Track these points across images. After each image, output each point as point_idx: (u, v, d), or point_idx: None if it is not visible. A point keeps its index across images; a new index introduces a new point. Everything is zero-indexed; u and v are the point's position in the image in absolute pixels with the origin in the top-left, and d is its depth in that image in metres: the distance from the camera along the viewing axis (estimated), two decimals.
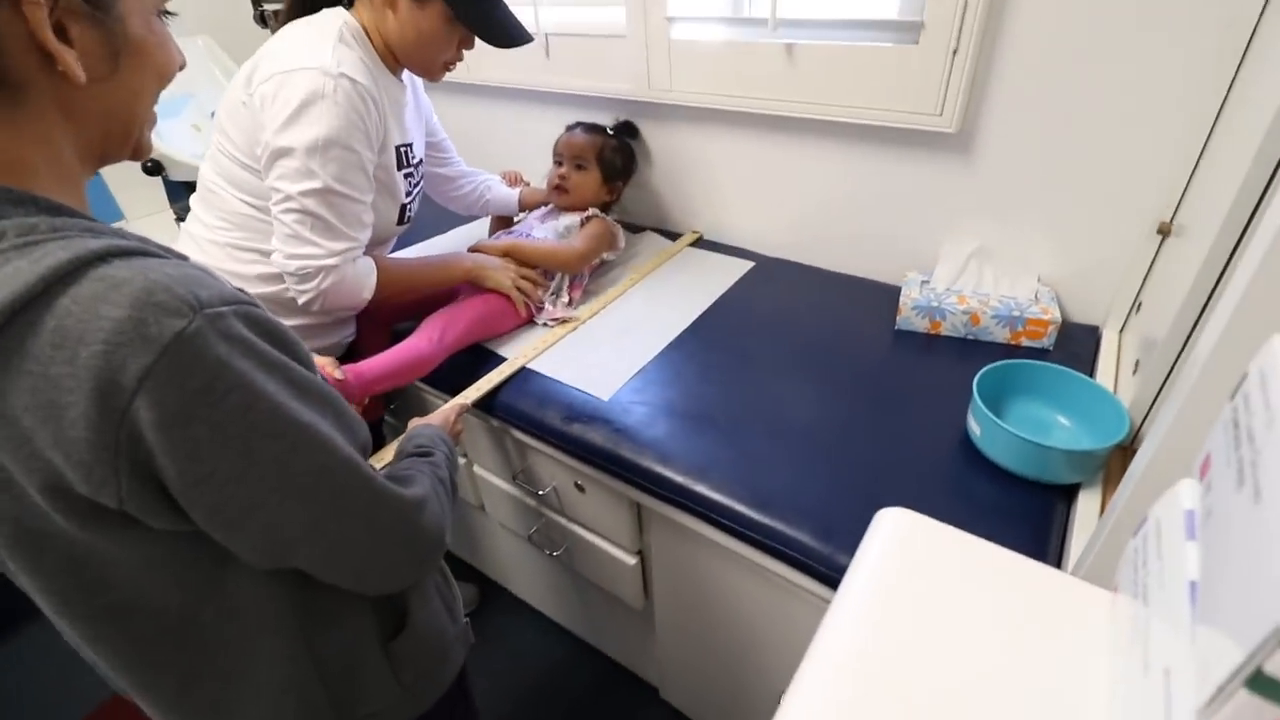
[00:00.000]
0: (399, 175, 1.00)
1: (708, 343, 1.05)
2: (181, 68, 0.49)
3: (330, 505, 0.46)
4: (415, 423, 0.82)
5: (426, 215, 1.57)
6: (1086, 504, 0.73)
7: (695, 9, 1.16)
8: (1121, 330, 0.99)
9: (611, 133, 1.30)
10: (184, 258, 0.43)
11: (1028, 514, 0.73)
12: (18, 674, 1.52)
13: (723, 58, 1.15)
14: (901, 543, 0.38)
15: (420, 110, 1.11)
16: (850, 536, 0.71)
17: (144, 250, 0.40)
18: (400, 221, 1.05)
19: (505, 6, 0.95)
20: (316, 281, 0.90)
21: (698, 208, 1.39)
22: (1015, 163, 0.99)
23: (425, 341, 0.99)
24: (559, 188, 1.24)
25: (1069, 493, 0.75)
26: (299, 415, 0.43)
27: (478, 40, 0.96)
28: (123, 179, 1.64)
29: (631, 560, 1.01)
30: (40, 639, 1.57)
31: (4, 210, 0.38)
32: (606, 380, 0.97)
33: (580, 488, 0.99)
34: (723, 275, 1.23)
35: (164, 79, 0.47)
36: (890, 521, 0.38)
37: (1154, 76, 0.84)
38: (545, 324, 1.13)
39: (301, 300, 0.92)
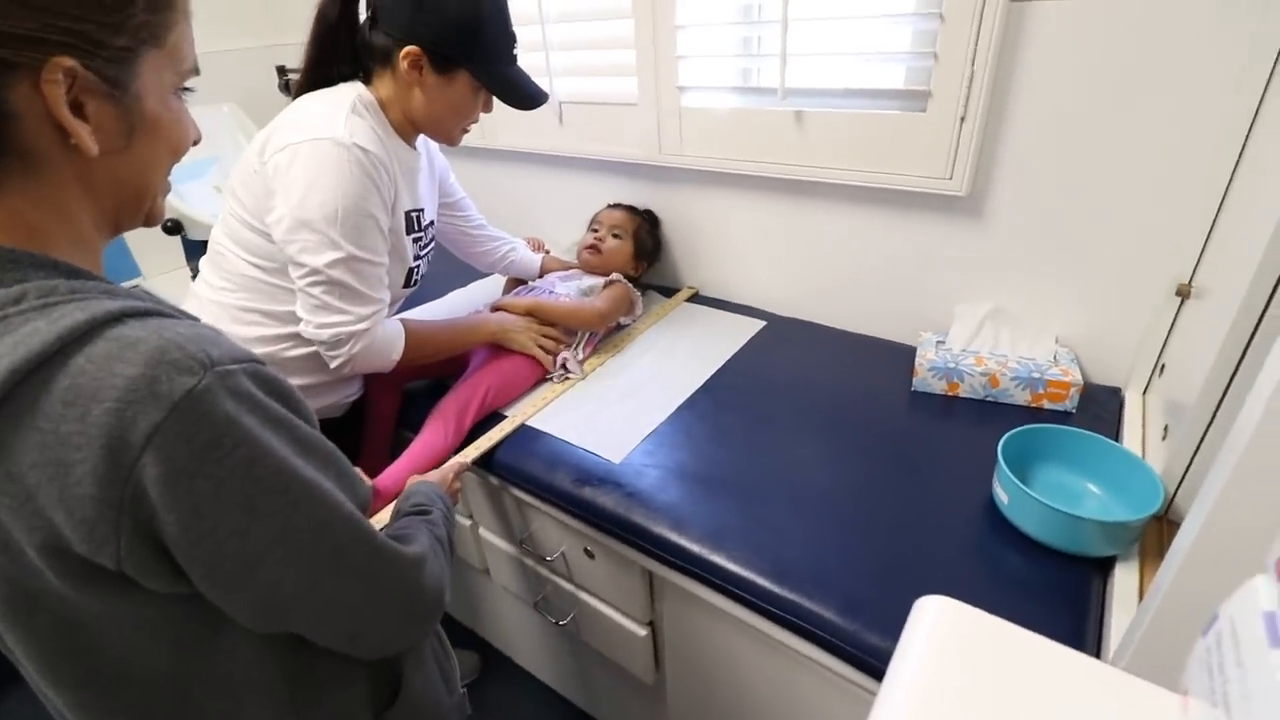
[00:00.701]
0: (408, 240, 1.02)
1: (721, 404, 1.03)
2: (196, 142, 0.51)
3: (329, 562, 0.46)
4: (413, 480, 0.81)
5: (444, 270, 1.59)
6: (1124, 579, 0.69)
7: (706, 79, 1.19)
8: (1145, 392, 0.97)
9: (647, 217, 1.37)
10: (195, 319, 0.44)
11: (1062, 589, 0.69)
12: None
13: (733, 124, 1.17)
14: (947, 637, 0.35)
15: (434, 174, 1.14)
16: (877, 612, 0.68)
17: (159, 311, 0.41)
18: (407, 284, 1.06)
19: (522, 71, 0.99)
20: (348, 347, 0.91)
21: (704, 266, 1.40)
22: (1028, 224, 0.99)
23: (441, 436, 0.98)
24: (593, 247, 1.29)
25: (1103, 566, 0.72)
26: (302, 471, 0.43)
27: (495, 105, 0.99)
28: (142, 237, 1.67)
29: (642, 631, 0.96)
30: (20, 713, 1.51)
31: (26, 273, 0.39)
32: (618, 442, 0.95)
33: (590, 554, 0.96)
34: (734, 334, 1.22)
35: (176, 153, 0.49)
36: (933, 612, 0.36)
37: (1165, 138, 0.85)
38: (550, 378, 1.12)
39: (333, 365, 0.93)
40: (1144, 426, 0.90)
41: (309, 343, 0.93)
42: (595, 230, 1.33)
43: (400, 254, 1.01)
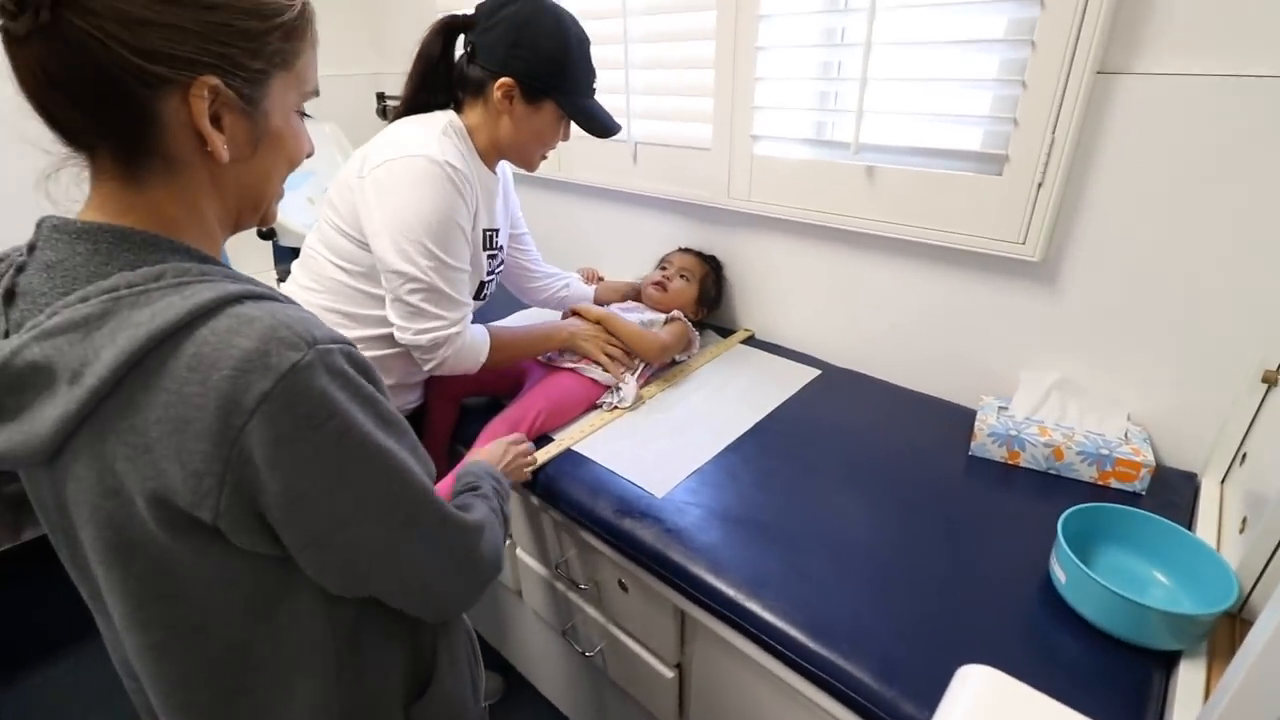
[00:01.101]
0: (484, 255, 1.08)
1: (768, 449, 1.02)
2: (309, 155, 0.57)
3: (404, 526, 0.51)
4: (470, 455, 0.88)
5: (506, 293, 1.64)
6: (1188, 677, 0.65)
7: (779, 130, 1.21)
8: (1223, 481, 0.91)
9: (714, 265, 1.41)
10: (300, 305, 0.49)
11: (1119, 680, 0.65)
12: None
13: (802, 174, 1.19)
14: (990, 710, 0.34)
15: (509, 204, 1.21)
16: (916, 682, 0.65)
17: (272, 296, 0.47)
18: (477, 296, 1.12)
19: (599, 104, 1.06)
20: (444, 350, 0.98)
21: (762, 310, 1.40)
22: (1103, 295, 0.96)
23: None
24: (660, 284, 1.33)
25: (1167, 660, 0.67)
26: (383, 443, 0.48)
27: (573, 142, 1.05)
28: (237, 239, 1.80)
29: (669, 673, 0.95)
30: (59, 682, 1.58)
31: (164, 255, 0.45)
32: (662, 476, 0.95)
33: (624, 586, 0.95)
34: (787, 381, 1.21)
35: (293, 164, 0.55)
36: (975, 682, 0.35)
37: (1255, 221, 0.82)
38: (601, 404, 1.14)
39: (427, 367, 1.00)
40: (1220, 516, 0.85)
41: (382, 346, 1.01)
42: (664, 269, 1.37)
43: (476, 267, 1.07)
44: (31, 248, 0.46)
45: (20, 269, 0.46)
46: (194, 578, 0.47)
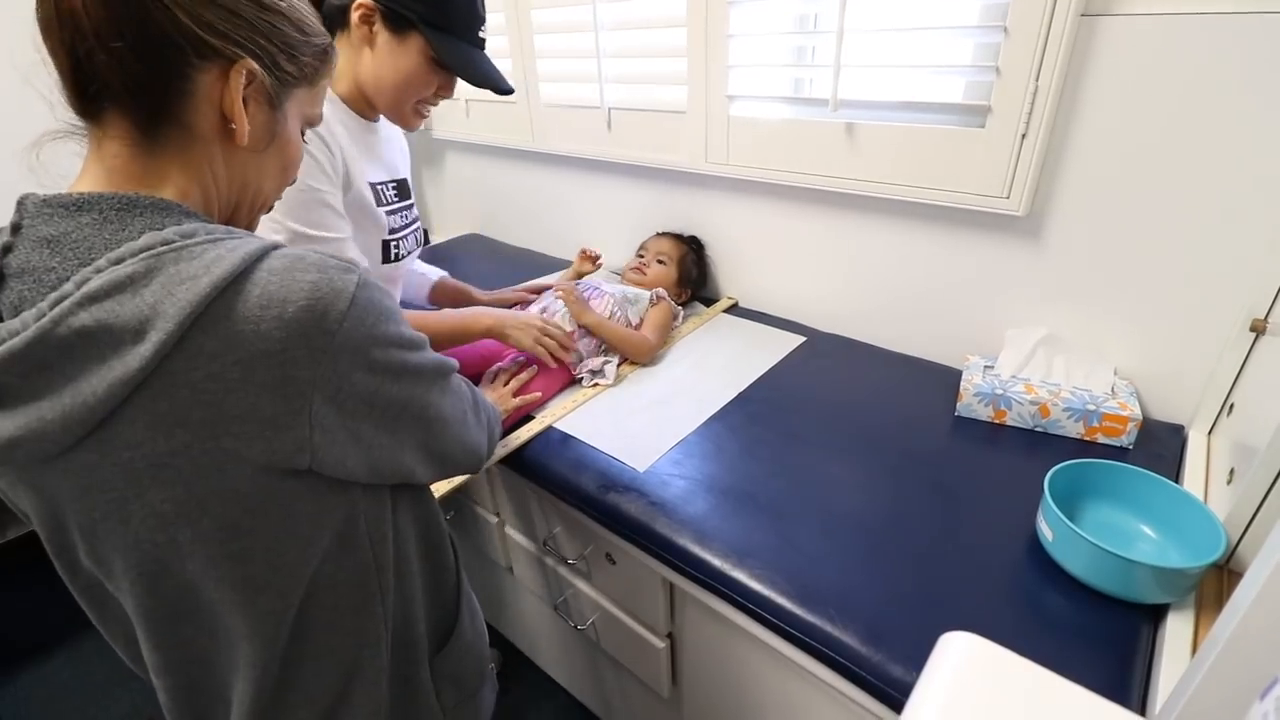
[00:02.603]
0: (380, 211, 0.98)
1: (753, 417, 1.01)
2: (292, 182, 0.60)
3: (444, 387, 0.59)
4: None
5: (483, 272, 1.62)
6: (1176, 629, 0.65)
7: (756, 89, 1.18)
8: (1210, 433, 0.91)
9: (694, 246, 1.38)
10: None
11: (1107, 636, 0.65)
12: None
13: (781, 134, 1.15)
14: (972, 676, 0.33)
15: (407, 154, 1.11)
16: (902, 645, 0.65)
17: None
18: (387, 259, 1.02)
19: (486, 57, 0.95)
20: None
21: (745, 277, 1.38)
22: (1089, 248, 0.94)
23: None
24: (638, 269, 1.32)
25: (1154, 614, 0.67)
26: (414, 334, 0.54)
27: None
28: None
29: (660, 644, 0.95)
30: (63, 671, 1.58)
31: (178, 219, 0.46)
32: (644, 450, 0.94)
33: (611, 560, 0.95)
34: (772, 348, 1.20)
35: (287, 173, 0.58)
36: (958, 649, 0.34)
37: (1244, 166, 0.80)
38: (579, 380, 1.12)
39: None
40: (1207, 469, 0.85)
41: None
42: (641, 256, 1.35)
43: (374, 225, 0.98)
44: (16, 227, 0.45)
45: (7, 249, 0.44)
46: (264, 523, 0.48)
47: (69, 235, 0.44)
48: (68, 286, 0.41)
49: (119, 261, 0.41)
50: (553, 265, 1.64)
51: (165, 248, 0.42)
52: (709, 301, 1.41)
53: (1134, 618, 0.66)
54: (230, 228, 0.47)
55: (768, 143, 1.18)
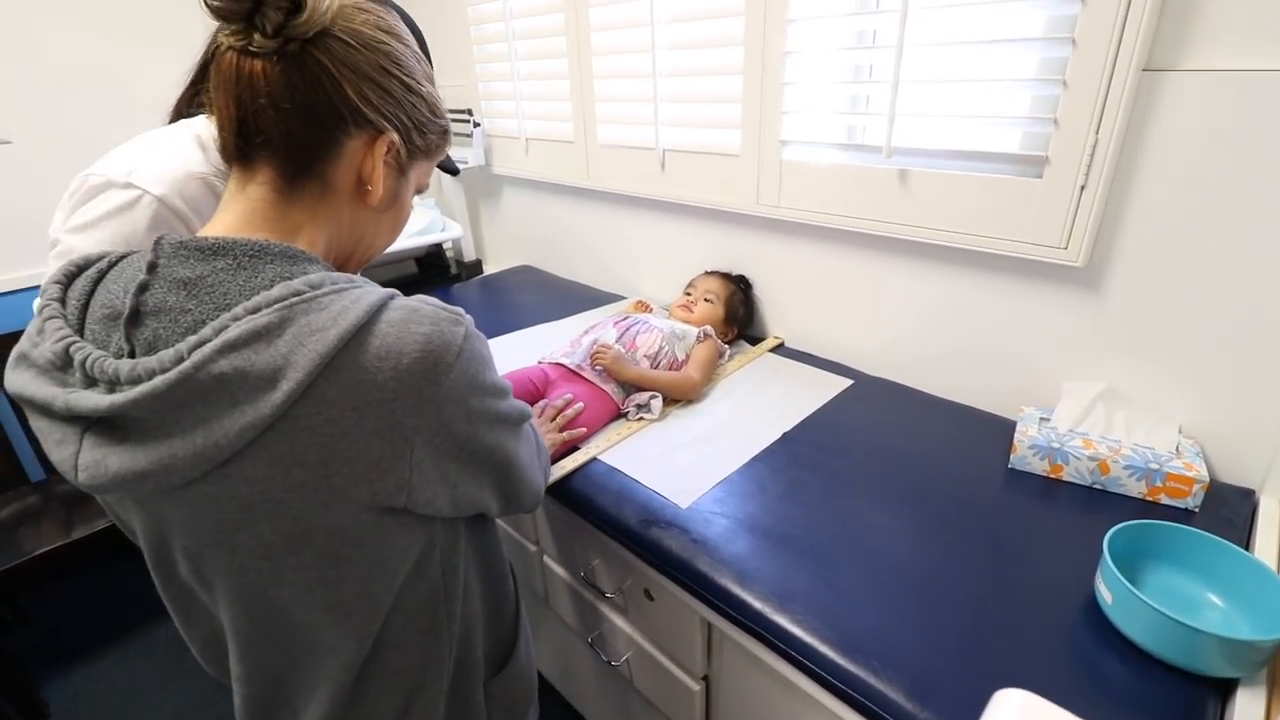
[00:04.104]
0: None
1: (798, 459, 1.00)
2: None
3: (518, 430, 0.62)
4: None
5: (531, 301, 1.66)
6: (1247, 707, 0.61)
7: (809, 135, 1.20)
8: None
9: (742, 285, 1.40)
10: None
11: (1170, 709, 0.62)
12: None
13: (833, 179, 1.17)
14: None
15: None
16: (950, 703, 0.63)
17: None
18: None
19: None
20: None
21: (792, 318, 1.38)
22: (1152, 301, 0.92)
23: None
24: (685, 307, 1.35)
25: (1222, 689, 0.63)
26: (503, 382, 0.58)
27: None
28: None
29: (695, 686, 0.93)
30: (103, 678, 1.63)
31: (305, 266, 0.50)
32: (687, 486, 0.94)
33: (650, 596, 0.94)
34: (818, 390, 1.19)
35: (396, 231, 0.64)
36: (1013, 707, 0.33)
37: None
38: (625, 415, 1.13)
39: None
40: None
41: None
42: (689, 293, 1.37)
43: None
44: (152, 266, 0.48)
45: (144, 288, 0.48)
46: (360, 554, 0.51)
47: (205, 279, 0.47)
48: (206, 332, 0.44)
49: (255, 311, 0.44)
50: (602, 299, 1.68)
51: (297, 299, 0.45)
52: (755, 340, 1.41)
53: (1199, 692, 0.63)
54: (351, 276, 0.51)
55: (819, 187, 1.19)
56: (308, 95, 0.50)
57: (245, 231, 0.52)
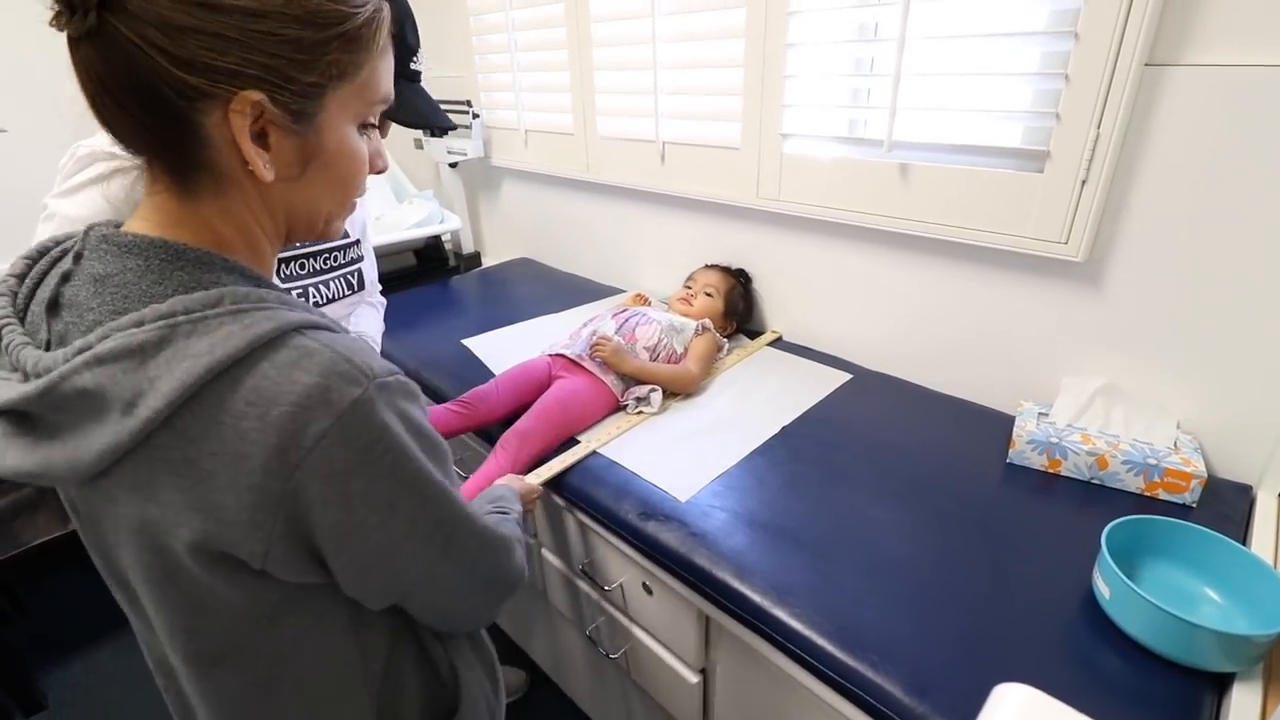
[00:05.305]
0: None
1: (797, 453, 1.00)
2: (380, 171, 0.54)
3: (445, 548, 0.51)
4: (499, 481, 0.88)
5: (532, 295, 1.65)
6: (1242, 701, 0.61)
7: (810, 128, 1.19)
8: None
9: (742, 279, 1.39)
10: (348, 332, 0.48)
11: (1167, 703, 0.62)
12: None
13: (833, 173, 1.16)
14: None
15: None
16: (949, 697, 0.63)
17: (328, 325, 0.46)
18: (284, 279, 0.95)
19: (419, 86, 0.90)
20: None
21: (791, 311, 1.38)
22: (1152, 297, 0.92)
23: (508, 464, 0.98)
24: (684, 300, 1.34)
25: (1218, 683, 0.64)
26: (431, 473, 0.48)
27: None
28: None
29: (693, 678, 0.94)
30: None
31: (219, 276, 0.44)
32: (686, 480, 0.94)
33: (648, 589, 0.94)
34: (817, 384, 1.19)
35: (348, 185, 0.51)
36: (1013, 701, 0.33)
37: None
38: (624, 407, 1.13)
39: None
40: (1278, 532, 0.81)
41: None
42: (689, 287, 1.36)
43: None
44: (78, 256, 0.45)
45: (66, 278, 0.45)
46: (225, 610, 0.46)
47: (113, 278, 0.43)
48: (92, 337, 0.40)
49: (139, 324, 0.40)
50: (600, 292, 1.67)
51: (185, 317, 0.40)
52: (754, 334, 1.41)
53: (1196, 686, 0.63)
54: (261, 293, 0.43)
55: (820, 180, 1.19)
56: (128, 77, 0.40)
57: (170, 233, 0.45)
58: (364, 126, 0.50)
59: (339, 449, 0.41)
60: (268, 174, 0.44)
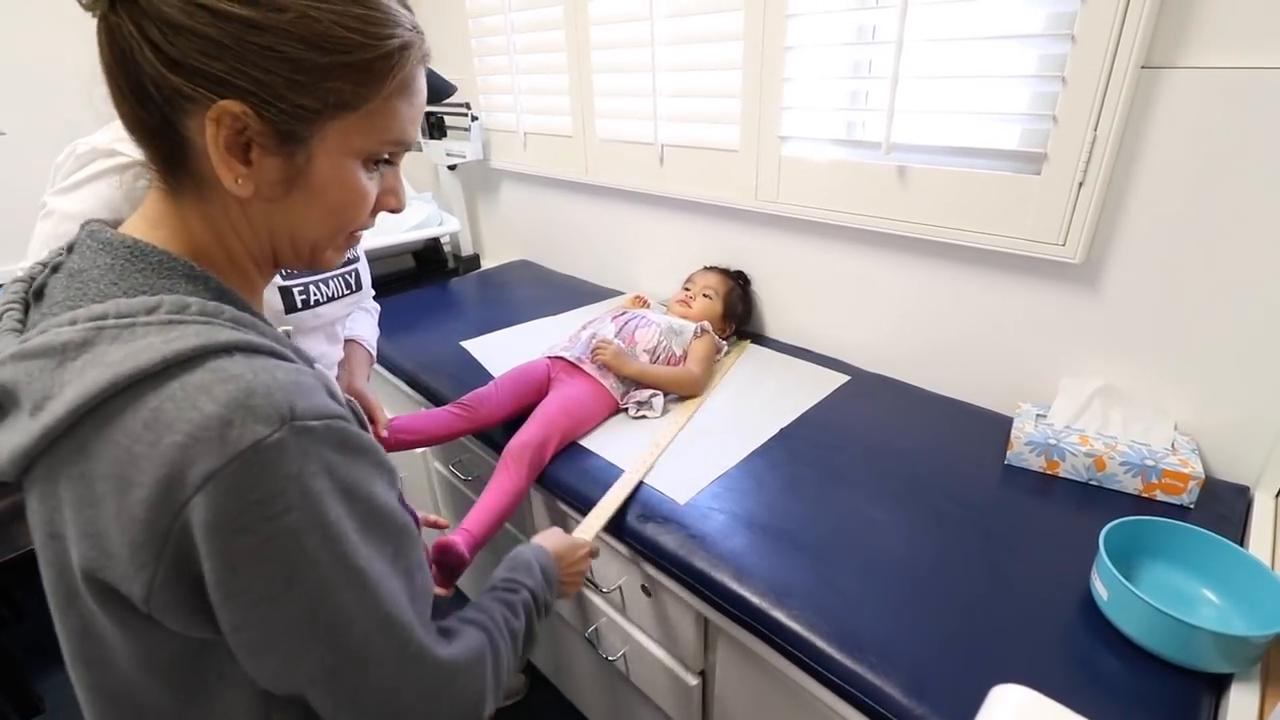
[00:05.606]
0: None
1: (796, 455, 1.00)
2: (394, 210, 0.51)
3: (356, 655, 0.42)
4: (537, 538, 0.76)
5: (530, 298, 1.65)
6: (1240, 702, 0.61)
7: (808, 131, 1.20)
8: (1278, 495, 0.87)
9: (740, 281, 1.39)
10: (311, 366, 0.44)
11: (1165, 703, 0.62)
12: None
13: (832, 175, 1.17)
14: None
15: None
16: (947, 698, 0.63)
17: (272, 350, 0.41)
18: (292, 309, 0.94)
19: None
20: None
21: (790, 313, 1.38)
22: (1149, 299, 0.92)
23: (515, 480, 0.97)
24: (684, 302, 1.34)
25: (1216, 684, 0.64)
26: (353, 551, 0.40)
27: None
28: None
29: (692, 680, 0.94)
30: None
31: (175, 284, 0.42)
32: (685, 482, 0.94)
33: (647, 591, 0.94)
34: (815, 386, 1.19)
35: (339, 218, 0.47)
36: (1010, 702, 0.33)
37: None
38: (625, 410, 1.13)
39: None
40: (1275, 533, 0.81)
41: None
42: (688, 289, 1.37)
43: None
44: (70, 248, 0.44)
45: (55, 269, 0.44)
46: (119, 652, 0.42)
47: (84, 273, 0.41)
48: (32, 331, 0.39)
49: (72, 323, 0.38)
50: (599, 294, 1.67)
51: (116, 321, 0.38)
52: (754, 336, 1.41)
53: (1194, 686, 0.63)
54: (212, 306, 0.40)
55: (818, 182, 1.19)
56: (125, 69, 0.39)
57: (146, 233, 0.43)
58: (374, 164, 0.47)
59: (229, 496, 0.36)
60: (239, 189, 0.42)
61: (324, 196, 0.45)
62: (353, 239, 0.50)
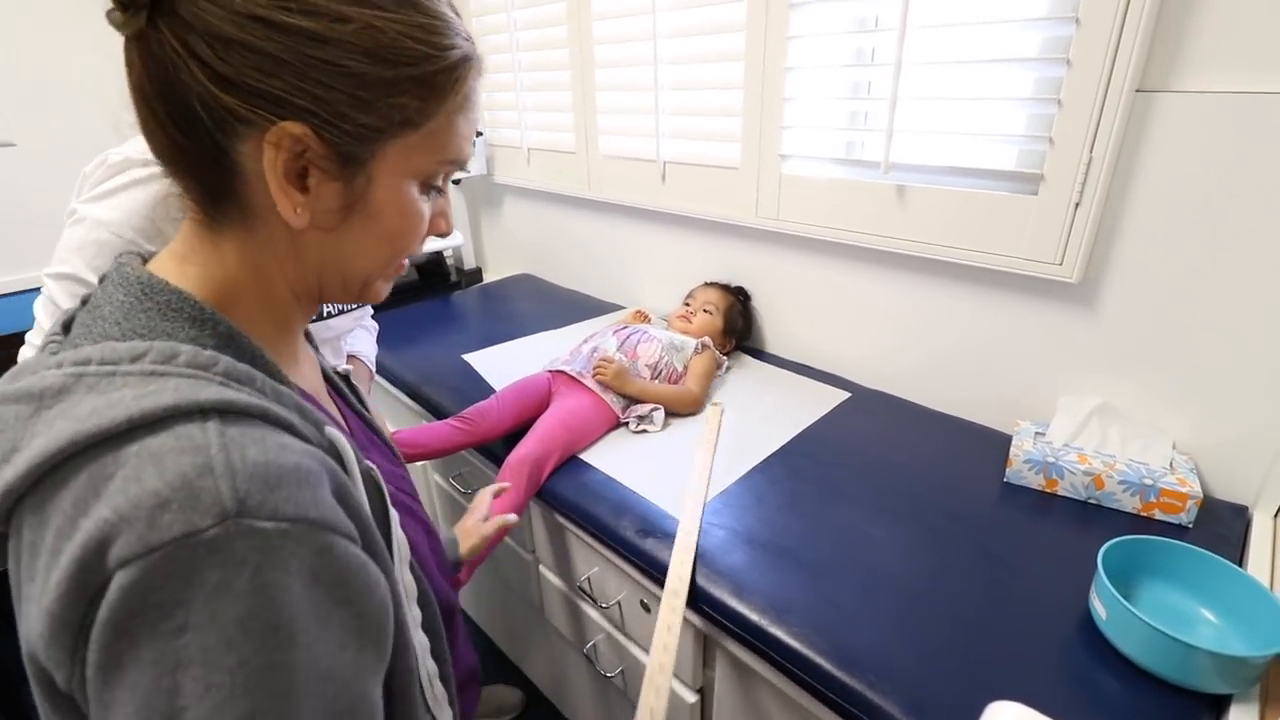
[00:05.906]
0: None
1: (795, 471, 1.00)
2: (443, 234, 0.48)
3: None
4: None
5: (532, 312, 1.66)
6: None
7: (808, 149, 1.21)
8: (1277, 515, 0.87)
9: (741, 297, 1.40)
10: (321, 427, 0.39)
11: None
12: None
13: (832, 193, 1.18)
14: None
15: None
16: (945, 716, 0.63)
17: (266, 414, 0.35)
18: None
19: None
20: None
21: (790, 330, 1.39)
22: (1147, 318, 0.93)
23: (515, 494, 0.97)
24: (684, 318, 1.35)
25: (1215, 705, 0.64)
26: (252, 706, 0.31)
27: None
28: None
29: (691, 698, 0.93)
30: None
31: (176, 328, 0.37)
32: (685, 498, 0.94)
33: (646, 607, 0.94)
34: (815, 402, 1.20)
35: (395, 245, 0.44)
36: (1007, 719, 0.33)
37: None
38: (625, 424, 1.13)
39: None
40: (1274, 553, 0.81)
41: None
42: (688, 304, 1.38)
43: None
44: (102, 279, 0.41)
45: (85, 301, 0.41)
46: (63, 709, 0.35)
47: (99, 309, 0.38)
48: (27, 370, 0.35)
49: (59, 366, 0.34)
50: (601, 308, 1.68)
51: (96, 367, 0.34)
52: (754, 352, 1.42)
53: (1193, 707, 0.63)
54: (209, 357, 0.36)
55: (818, 201, 1.20)
56: (167, 88, 0.36)
57: (174, 269, 0.40)
58: (429, 187, 0.44)
59: (130, 591, 0.29)
60: (298, 220, 0.39)
61: (381, 223, 0.42)
62: (401, 268, 0.47)
